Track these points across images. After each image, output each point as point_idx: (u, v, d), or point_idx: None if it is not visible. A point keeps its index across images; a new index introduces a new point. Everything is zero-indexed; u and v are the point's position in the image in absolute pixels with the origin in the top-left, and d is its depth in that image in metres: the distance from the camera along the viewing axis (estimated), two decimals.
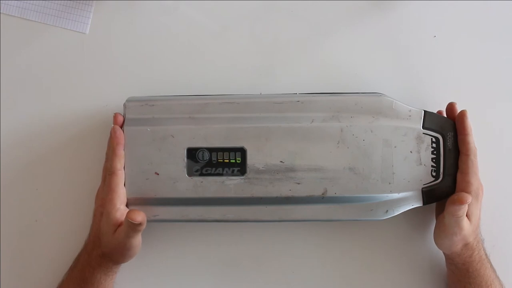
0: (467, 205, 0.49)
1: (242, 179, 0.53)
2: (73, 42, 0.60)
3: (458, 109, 0.54)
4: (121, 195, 0.52)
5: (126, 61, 0.60)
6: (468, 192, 0.51)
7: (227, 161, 0.53)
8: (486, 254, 0.53)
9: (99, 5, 0.60)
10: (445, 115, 0.55)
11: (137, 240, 0.52)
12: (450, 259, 0.54)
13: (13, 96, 0.60)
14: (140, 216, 0.49)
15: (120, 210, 0.52)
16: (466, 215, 0.51)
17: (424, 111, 0.54)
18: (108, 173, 0.53)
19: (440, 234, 0.53)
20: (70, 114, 0.60)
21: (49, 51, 0.60)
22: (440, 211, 0.54)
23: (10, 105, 0.60)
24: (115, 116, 0.54)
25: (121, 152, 0.53)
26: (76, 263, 0.55)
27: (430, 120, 0.53)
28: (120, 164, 0.53)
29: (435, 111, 0.54)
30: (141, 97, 0.55)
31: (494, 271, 0.53)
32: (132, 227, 0.49)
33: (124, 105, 0.54)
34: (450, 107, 0.55)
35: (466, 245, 0.52)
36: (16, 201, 0.59)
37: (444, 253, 0.55)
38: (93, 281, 0.52)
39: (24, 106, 0.60)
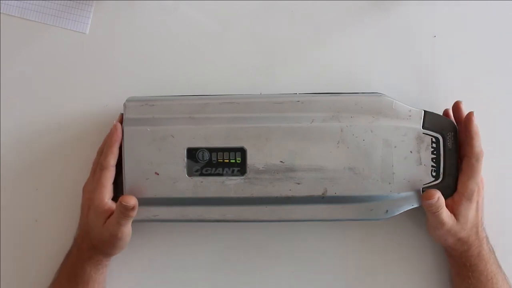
0: (439, 202, 0.51)
1: (242, 179, 0.53)
2: (73, 42, 0.60)
3: (464, 109, 0.54)
4: (110, 190, 0.53)
5: (126, 61, 0.60)
6: (461, 193, 0.52)
7: (227, 161, 0.53)
8: (489, 250, 0.54)
9: (99, 5, 0.60)
10: (451, 113, 0.55)
11: (128, 228, 0.53)
12: (447, 251, 0.56)
13: (13, 96, 0.60)
14: (133, 200, 0.51)
15: (108, 204, 0.53)
16: (454, 214, 0.52)
17: (424, 111, 0.54)
18: (100, 167, 0.53)
19: (427, 227, 0.55)
20: (70, 114, 0.60)
21: (49, 51, 0.60)
22: None
23: (10, 105, 0.60)
24: (120, 115, 0.55)
25: (117, 150, 0.54)
26: (66, 258, 0.55)
27: (430, 120, 0.53)
28: (113, 160, 0.53)
29: (435, 111, 0.54)
30: (141, 97, 0.55)
31: (499, 266, 0.54)
32: (125, 213, 0.51)
33: (124, 105, 0.54)
34: (456, 106, 0.54)
35: (459, 239, 0.53)
36: (16, 201, 0.59)
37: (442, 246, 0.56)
38: (83, 275, 0.53)
39: (24, 106, 0.60)
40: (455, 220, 0.52)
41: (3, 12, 0.60)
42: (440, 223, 0.52)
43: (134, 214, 0.51)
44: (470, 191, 0.52)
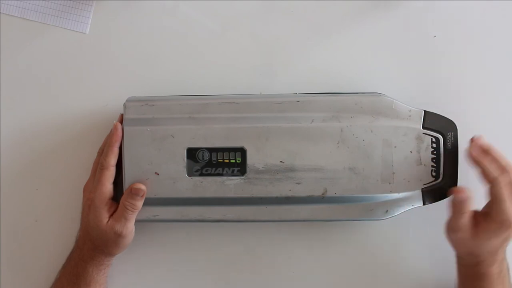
0: (465, 204, 0.49)
1: (242, 179, 0.53)
2: (73, 42, 0.60)
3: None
4: (110, 190, 0.53)
5: (126, 61, 0.60)
6: (494, 218, 0.49)
7: (227, 161, 0.53)
8: (500, 271, 0.51)
9: (99, 5, 0.60)
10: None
11: (132, 224, 0.53)
12: (456, 257, 0.54)
13: (13, 96, 0.60)
14: (143, 185, 0.52)
15: (109, 203, 0.53)
16: (476, 230, 0.49)
17: (424, 111, 0.54)
18: (100, 167, 0.53)
19: (446, 226, 0.52)
20: (70, 114, 0.60)
21: (49, 51, 0.60)
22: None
23: (10, 105, 0.60)
24: (120, 116, 0.55)
25: (117, 150, 0.54)
26: (69, 259, 0.55)
27: (430, 120, 0.53)
28: (114, 160, 0.54)
29: (435, 111, 0.54)
30: (141, 97, 0.55)
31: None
32: (134, 200, 0.52)
33: (124, 105, 0.54)
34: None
35: (471, 253, 0.51)
36: (16, 201, 0.59)
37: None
38: (85, 276, 0.53)
39: (24, 106, 0.60)
40: (472, 234, 0.50)
41: (3, 12, 0.60)
42: (457, 227, 0.50)
43: (141, 204, 0.52)
44: (502, 219, 0.48)
